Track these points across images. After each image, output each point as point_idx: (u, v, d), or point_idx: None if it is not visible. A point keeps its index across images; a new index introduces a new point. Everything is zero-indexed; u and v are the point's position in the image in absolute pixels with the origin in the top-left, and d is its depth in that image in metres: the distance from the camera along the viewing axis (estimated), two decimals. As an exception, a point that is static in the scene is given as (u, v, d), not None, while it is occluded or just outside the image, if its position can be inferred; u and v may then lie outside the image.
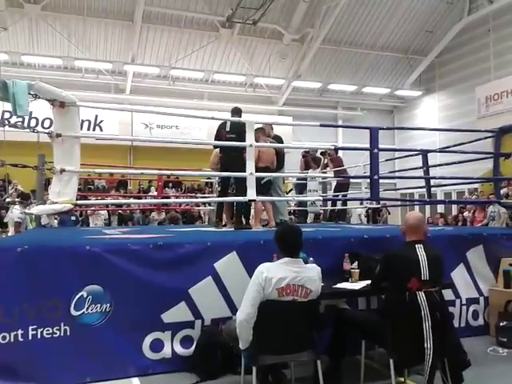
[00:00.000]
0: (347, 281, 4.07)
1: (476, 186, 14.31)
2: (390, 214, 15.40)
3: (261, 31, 18.59)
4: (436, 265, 3.34)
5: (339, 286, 3.91)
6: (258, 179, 5.80)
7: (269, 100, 21.17)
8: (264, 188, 6.36)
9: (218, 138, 6.45)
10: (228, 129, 6.31)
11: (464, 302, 4.95)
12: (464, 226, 11.43)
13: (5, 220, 9.09)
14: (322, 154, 9.90)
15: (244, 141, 5.46)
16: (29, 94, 4.30)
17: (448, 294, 4.39)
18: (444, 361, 3.27)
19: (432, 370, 3.17)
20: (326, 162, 9.64)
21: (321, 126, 6.57)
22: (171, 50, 18.17)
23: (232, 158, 6.14)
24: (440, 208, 17.42)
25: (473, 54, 18.98)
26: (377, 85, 21.46)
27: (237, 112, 6.57)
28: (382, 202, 9.28)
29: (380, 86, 21.55)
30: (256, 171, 5.76)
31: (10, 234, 8.41)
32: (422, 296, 3.18)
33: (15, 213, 8.42)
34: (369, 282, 3.82)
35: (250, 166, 5.36)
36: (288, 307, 3.09)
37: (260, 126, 6.71)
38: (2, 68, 16.09)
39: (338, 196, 9.37)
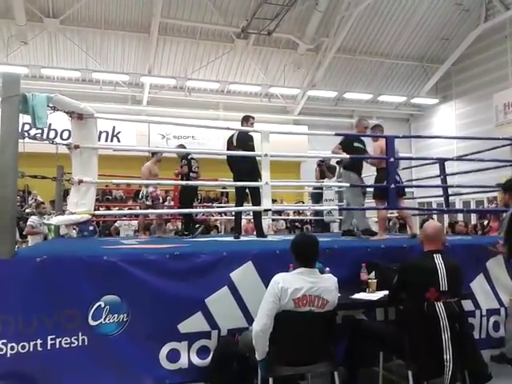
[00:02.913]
0: (364, 291, 4.04)
1: (495, 194, 14.11)
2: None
3: (275, 41, 18.68)
4: (455, 275, 3.30)
5: (356, 296, 3.88)
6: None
7: (284, 109, 21.20)
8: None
9: (227, 150, 6.55)
10: (235, 143, 6.35)
11: (484, 312, 4.86)
12: (483, 235, 11.25)
13: (24, 232, 9.24)
14: (337, 162, 9.87)
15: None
16: (48, 106, 4.38)
17: (468, 305, 4.32)
18: (464, 373, 3.22)
19: (452, 382, 3.12)
20: (341, 171, 9.60)
21: (336, 134, 6.56)
22: (187, 61, 18.34)
23: (244, 171, 6.17)
24: (459, 217, 17.20)
25: (490, 60, 18.78)
26: (392, 93, 21.35)
27: (245, 120, 6.62)
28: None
29: (396, 94, 21.43)
30: (379, 174, 6.03)
31: (30, 244, 8.53)
32: (440, 307, 3.14)
33: (31, 218, 8.58)
34: (386, 292, 3.78)
35: (266, 175, 5.37)
36: (304, 318, 3.08)
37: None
38: (22, 81, 16.40)
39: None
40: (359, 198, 6.66)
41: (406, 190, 6.56)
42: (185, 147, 8.90)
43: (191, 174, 7.63)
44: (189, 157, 7.70)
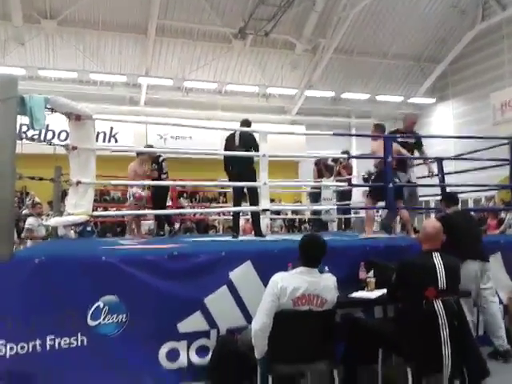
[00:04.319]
0: (363, 290, 4.05)
1: (493, 193, 14.15)
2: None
3: (273, 42, 18.70)
4: (453, 274, 3.32)
5: (355, 295, 3.89)
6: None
7: (282, 109, 21.22)
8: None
9: (226, 150, 6.49)
10: (237, 143, 6.32)
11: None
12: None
13: (23, 236, 9.21)
14: (333, 160, 9.87)
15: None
16: (45, 107, 4.37)
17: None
18: (463, 370, 3.23)
19: (451, 379, 3.13)
20: (338, 169, 9.61)
21: (334, 134, 6.58)
22: (184, 62, 18.35)
23: (244, 171, 6.17)
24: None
25: (487, 60, 18.83)
26: (390, 93, 21.39)
27: (246, 124, 6.59)
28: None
29: (393, 94, 21.47)
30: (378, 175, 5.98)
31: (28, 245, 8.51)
32: (439, 304, 3.15)
33: (28, 221, 8.55)
34: (385, 290, 3.79)
35: (265, 176, 5.38)
36: (304, 317, 3.08)
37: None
38: (19, 82, 16.37)
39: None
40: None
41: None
42: (153, 147, 8.90)
43: (162, 176, 7.59)
44: (160, 159, 7.66)
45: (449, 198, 5.00)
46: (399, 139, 6.23)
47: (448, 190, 6.49)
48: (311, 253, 3.25)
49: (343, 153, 9.78)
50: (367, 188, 6.79)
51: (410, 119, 6.50)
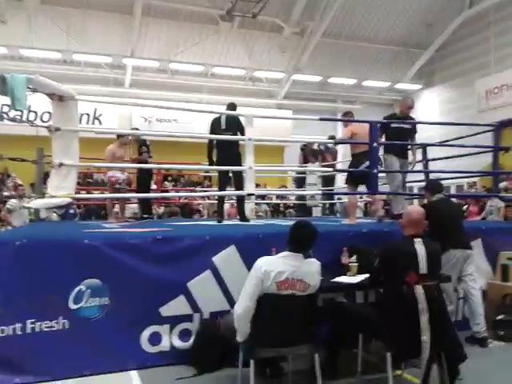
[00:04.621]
0: (345, 275, 4.09)
1: (475, 179, 14.31)
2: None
3: (261, 24, 18.48)
4: (434, 259, 3.36)
5: (337, 279, 3.93)
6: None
7: (268, 93, 21.10)
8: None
9: (212, 133, 6.44)
10: (223, 126, 6.28)
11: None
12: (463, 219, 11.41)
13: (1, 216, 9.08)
14: (320, 146, 9.85)
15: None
16: (27, 87, 4.29)
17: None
18: (441, 354, 3.29)
19: (429, 363, 3.19)
20: (323, 154, 9.62)
21: (320, 119, 6.54)
22: (171, 43, 18.08)
23: (229, 155, 6.15)
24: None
25: (473, 47, 18.89)
26: (377, 78, 21.36)
27: (232, 107, 6.54)
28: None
29: (380, 79, 21.45)
30: (353, 159, 6.05)
31: (9, 228, 8.41)
32: (419, 290, 3.19)
33: (10, 202, 8.43)
34: (367, 275, 3.83)
35: (250, 160, 5.36)
36: (286, 301, 3.11)
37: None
38: (0, 62, 16.03)
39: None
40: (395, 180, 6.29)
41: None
42: (138, 129, 8.82)
43: (148, 159, 7.57)
44: (147, 142, 7.62)
45: (433, 186, 5.02)
46: (395, 124, 6.18)
47: (431, 176, 6.52)
48: (300, 240, 3.25)
49: (330, 138, 9.79)
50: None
51: (405, 104, 6.38)
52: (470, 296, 4.66)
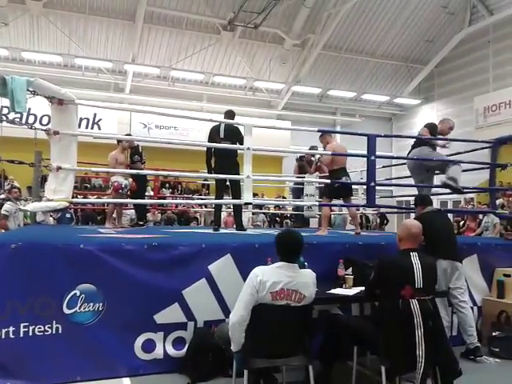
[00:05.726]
0: (341, 287, 4.07)
1: (472, 195, 14.37)
2: (388, 221, 15.32)
3: (262, 35, 18.64)
4: (430, 273, 3.35)
5: (333, 291, 3.91)
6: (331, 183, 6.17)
7: (268, 104, 21.19)
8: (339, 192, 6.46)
9: (210, 141, 6.43)
10: (222, 135, 6.27)
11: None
12: (458, 235, 11.43)
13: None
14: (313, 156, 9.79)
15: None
16: (27, 90, 4.29)
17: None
18: (435, 369, 3.27)
19: (423, 378, 3.17)
20: (318, 165, 9.59)
21: (319, 131, 6.58)
22: (172, 50, 18.19)
23: (227, 164, 6.15)
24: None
25: (472, 64, 19.08)
26: (376, 92, 21.52)
27: (230, 115, 6.54)
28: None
29: (379, 93, 21.61)
30: (331, 175, 6.33)
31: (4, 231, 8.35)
32: (415, 304, 3.18)
33: (4, 207, 8.34)
34: (362, 288, 3.82)
35: (248, 169, 5.36)
36: (281, 311, 3.08)
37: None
38: (1, 63, 16.06)
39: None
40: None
41: (385, 188, 6.61)
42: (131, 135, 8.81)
43: (142, 166, 7.55)
44: (140, 150, 7.59)
45: (422, 201, 5.05)
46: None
47: (425, 191, 6.51)
48: (287, 248, 3.24)
49: (311, 148, 9.64)
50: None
51: (447, 123, 6.41)
52: (460, 309, 4.66)
